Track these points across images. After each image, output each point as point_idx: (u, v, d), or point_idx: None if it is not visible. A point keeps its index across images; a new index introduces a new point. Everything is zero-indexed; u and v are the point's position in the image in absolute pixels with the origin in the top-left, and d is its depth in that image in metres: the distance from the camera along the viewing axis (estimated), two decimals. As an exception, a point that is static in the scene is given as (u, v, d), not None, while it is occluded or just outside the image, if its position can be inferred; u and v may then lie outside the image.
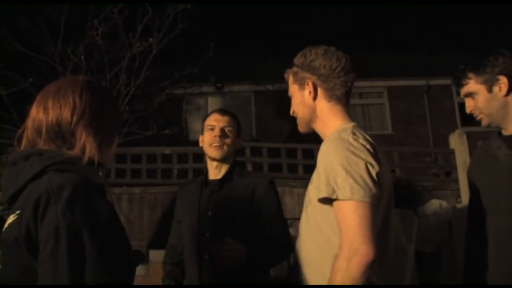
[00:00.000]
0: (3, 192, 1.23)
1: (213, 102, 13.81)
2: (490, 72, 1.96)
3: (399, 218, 3.22)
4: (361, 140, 1.55)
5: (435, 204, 3.78)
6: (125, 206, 7.32)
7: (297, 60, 1.77)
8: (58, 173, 1.20)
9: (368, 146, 1.54)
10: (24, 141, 1.32)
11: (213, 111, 2.50)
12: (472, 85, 2.00)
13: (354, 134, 1.58)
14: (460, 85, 2.05)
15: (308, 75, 1.73)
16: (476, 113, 2.03)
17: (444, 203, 3.79)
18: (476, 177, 2.11)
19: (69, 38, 8.72)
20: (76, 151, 1.26)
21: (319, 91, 1.72)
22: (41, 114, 1.29)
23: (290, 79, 1.80)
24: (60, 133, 1.27)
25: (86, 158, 1.25)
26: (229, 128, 2.40)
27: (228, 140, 2.38)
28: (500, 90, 1.95)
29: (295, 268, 1.72)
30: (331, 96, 1.71)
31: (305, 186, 1.73)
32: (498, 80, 1.95)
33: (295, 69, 1.77)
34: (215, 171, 2.42)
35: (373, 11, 24.04)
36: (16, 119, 7.57)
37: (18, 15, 8.57)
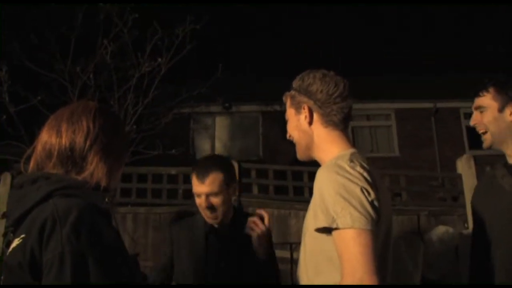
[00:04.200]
0: (9, 214, 1.23)
1: (220, 121, 13.86)
2: (509, 94, 1.95)
3: (404, 244, 3.19)
4: (358, 168, 1.52)
5: (441, 230, 3.74)
6: (130, 226, 7.31)
7: (295, 83, 1.76)
8: (64, 197, 1.20)
9: (365, 174, 1.51)
10: (31, 164, 1.32)
11: (193, 172, 2.32)
12: (486, 99, 1.99)
13: (351, 161, 1.54)
14: (477, 95, 2.03)
15: (304, 99, 1.70)
16: (479, 128, 2.03)
17: (451, 229, 3.74)
18: (480, 206, 2.07)
19: (79, 56, 8.81)
20: (85, 175, 1.27)
21: (315, 116, 1.69)
22: (53, 137, 1.30)
23: (288, 102, 1.78)
24: (72, 158, 1.28)
25: (93, 183, 1.26)
26: (215, 192, 2.27)
27: (217, 206, 2.28)
28: (510, 114, 1.94)
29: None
30: (328, 121, 1.68)
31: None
32: None
33: (292, 92, 1.76)
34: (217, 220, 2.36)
35: (381, 33, 24.19)
36: (24, 135, 7.61)
37: (30, 33, 8.67)
